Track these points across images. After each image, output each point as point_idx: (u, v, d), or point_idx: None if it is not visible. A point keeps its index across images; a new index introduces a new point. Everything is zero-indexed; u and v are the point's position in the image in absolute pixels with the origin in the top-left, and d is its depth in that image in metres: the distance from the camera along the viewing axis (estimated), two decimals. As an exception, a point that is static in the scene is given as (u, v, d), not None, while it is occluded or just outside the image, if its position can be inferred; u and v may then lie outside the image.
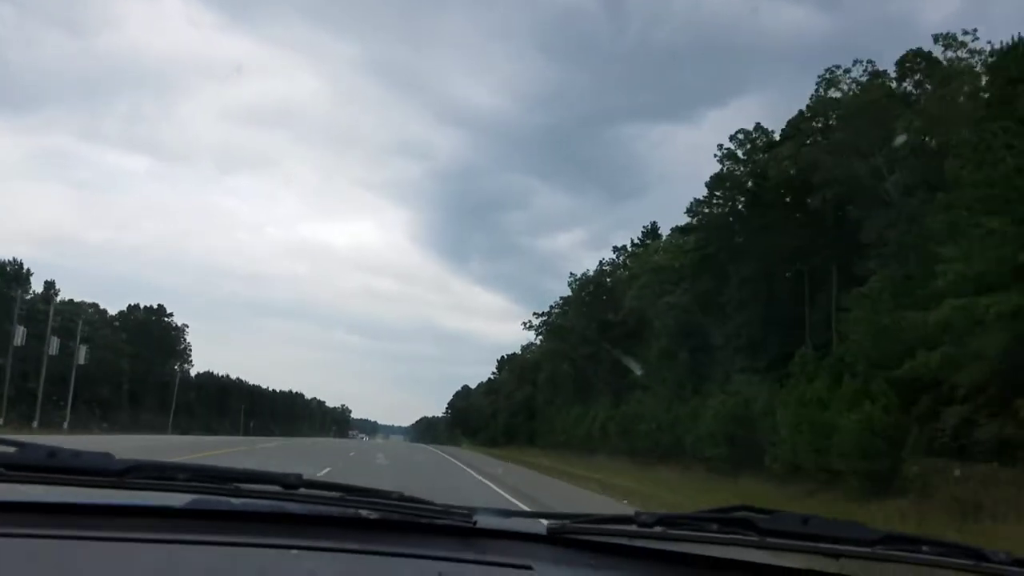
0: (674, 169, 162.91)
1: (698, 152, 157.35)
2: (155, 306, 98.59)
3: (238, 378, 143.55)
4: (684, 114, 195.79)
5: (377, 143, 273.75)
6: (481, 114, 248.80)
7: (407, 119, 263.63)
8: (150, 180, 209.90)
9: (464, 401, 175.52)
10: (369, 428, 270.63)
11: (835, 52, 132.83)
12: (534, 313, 74.11)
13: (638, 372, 48.39)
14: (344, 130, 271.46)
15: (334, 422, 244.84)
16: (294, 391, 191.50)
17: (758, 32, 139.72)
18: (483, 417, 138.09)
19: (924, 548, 1.54)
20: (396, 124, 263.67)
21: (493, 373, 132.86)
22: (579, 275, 60.24)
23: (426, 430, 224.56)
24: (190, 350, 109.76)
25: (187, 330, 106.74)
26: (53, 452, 1.54)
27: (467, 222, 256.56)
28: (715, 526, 1.58)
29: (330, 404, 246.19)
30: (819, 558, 1.58)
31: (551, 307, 73.52)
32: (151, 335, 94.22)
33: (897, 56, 31.82)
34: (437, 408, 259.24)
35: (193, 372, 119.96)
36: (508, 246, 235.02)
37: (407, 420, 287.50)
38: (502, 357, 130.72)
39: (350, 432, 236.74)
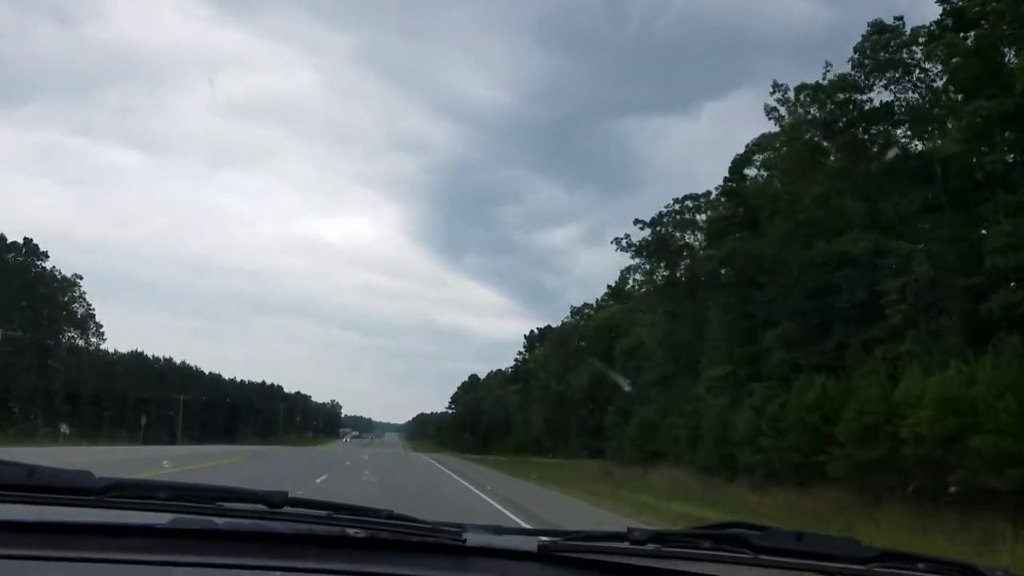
0: (671, 164, 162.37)
1: (696, 147, 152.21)
2: (19, 241, 65.02)
3: (183, 362, 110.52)
4: (682, 107, 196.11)
5: (372, 138, 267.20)
6: (478, 108, 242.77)
7: (403, 113, 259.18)
8: (142, 175, 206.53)
9: (472, 394, 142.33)
10: (363, 425, 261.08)
11: (839, 43, 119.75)
12: (637, 221, 41.15)
13: (627, 388, 38.17)
14: (339, 124, 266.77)
15: (322, 420, 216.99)
16: (273, 383, 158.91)
17: (759, 23, 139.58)
18: (504, 413, 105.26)
19: (920, 566, 1.53)
20: (391, 118, 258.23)
21: (520, 354, 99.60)
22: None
23: (423, 428, 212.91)
24: (93, 315, 76.54)
25: (81, 284, 73.19)
26: (32, 470, 1.49)
27: (463, 217, 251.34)
28: (708, 543, 1.53)
29: (317, 400, 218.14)
30: None
31: (663, 212, 40.71)
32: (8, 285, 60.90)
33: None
34: (435, 404, 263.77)
35: (110, 350, 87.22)
36: (504, 242, 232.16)
37: (403, 417, 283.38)
38: (531, 332, 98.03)
39: (340, 431, 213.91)
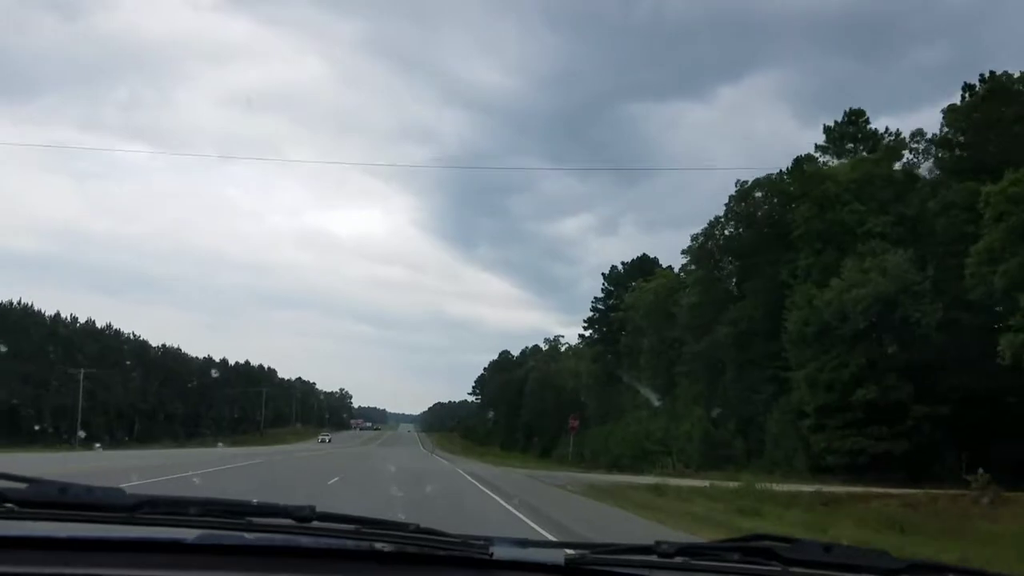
0: (686, 151, 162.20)
1: (711, 133, 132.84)
2: None
3: (111, 327, 78.71)
4: (696, 92, 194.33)
5: (381, 128, 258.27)
6: (488, 96, 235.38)
7: (412, 102, 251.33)
8: (149, 169, 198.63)
9: (507, 375, 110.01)
10: (377, 417, 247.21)
11: (856, 25, 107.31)
12: None
13: (656, 403, 36.32)
14: (347, 115, 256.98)
15: (330, 411, 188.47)
16: (263, 365, 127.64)
17: (773, 3, 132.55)
18: (562, 395, 73.41)
19: None
20: (400, 107, 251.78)
21: (595, 301, 66.24)
22: None
23: (441, 418, 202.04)
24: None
25: None
26: (65, 488, 1.52)
27: (474, 208, 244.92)
28: (737, 556, 1.55)
29: (323, 388, 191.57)
30: None
31: None
32: None
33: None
34: (451, 394, 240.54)
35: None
36: (516, 232, 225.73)
37: (418, 408, 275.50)
38: (612, 268, 65.39)
39: (352, 422, 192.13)
